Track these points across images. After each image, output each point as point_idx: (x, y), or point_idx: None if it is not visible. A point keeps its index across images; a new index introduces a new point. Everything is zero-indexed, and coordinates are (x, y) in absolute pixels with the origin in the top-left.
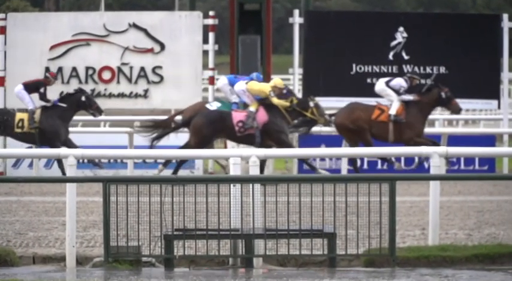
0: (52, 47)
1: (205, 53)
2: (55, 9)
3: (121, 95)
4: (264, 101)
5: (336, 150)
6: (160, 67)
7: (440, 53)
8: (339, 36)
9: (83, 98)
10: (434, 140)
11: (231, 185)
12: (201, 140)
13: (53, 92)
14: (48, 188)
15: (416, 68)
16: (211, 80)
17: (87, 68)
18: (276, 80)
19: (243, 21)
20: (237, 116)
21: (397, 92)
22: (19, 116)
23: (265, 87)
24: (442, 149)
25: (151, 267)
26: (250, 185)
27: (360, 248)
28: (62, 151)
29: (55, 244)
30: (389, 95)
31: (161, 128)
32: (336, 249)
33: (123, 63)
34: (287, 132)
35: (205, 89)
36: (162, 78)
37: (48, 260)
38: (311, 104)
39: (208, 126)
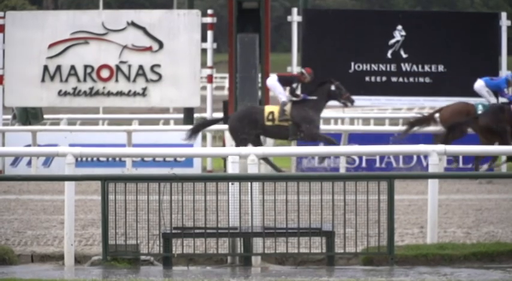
0: (50, 46)
1: (204, 51)
2: (53, 7)
3: (119, 94)
4: None
5: (333, 148)
6: (158, 65)
7: (438, 52)
8: (337, 34)
9: (333, 88)
10: None
11: (230, 183)
12: (488, 132)
13: (52, 91)
14: (46, 186)
15: (414, 67)
16: (210, 79)
17: (86, 67)
18: None
19: (241, 20)
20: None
21: None
22: (269, 109)
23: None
24: (440, 147)
25: (149, 265)
26: (249, 183)
27: (358, 247)
28: (61, 149)
29: (53, 242)
30: None
31: (422, 124)
32: (334, 247)
33: (121, 62)
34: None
35: (204, 88)
36: (160, 76)
37: (46, 259)
38: None
39: (493, 119)
